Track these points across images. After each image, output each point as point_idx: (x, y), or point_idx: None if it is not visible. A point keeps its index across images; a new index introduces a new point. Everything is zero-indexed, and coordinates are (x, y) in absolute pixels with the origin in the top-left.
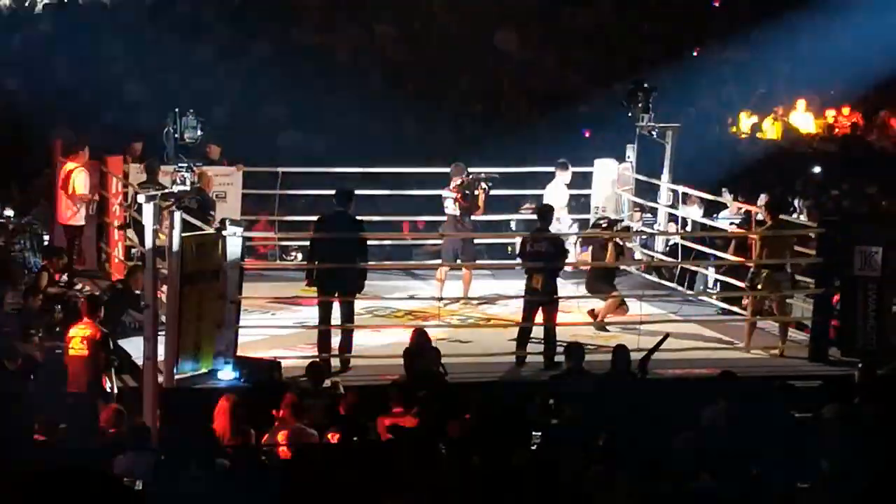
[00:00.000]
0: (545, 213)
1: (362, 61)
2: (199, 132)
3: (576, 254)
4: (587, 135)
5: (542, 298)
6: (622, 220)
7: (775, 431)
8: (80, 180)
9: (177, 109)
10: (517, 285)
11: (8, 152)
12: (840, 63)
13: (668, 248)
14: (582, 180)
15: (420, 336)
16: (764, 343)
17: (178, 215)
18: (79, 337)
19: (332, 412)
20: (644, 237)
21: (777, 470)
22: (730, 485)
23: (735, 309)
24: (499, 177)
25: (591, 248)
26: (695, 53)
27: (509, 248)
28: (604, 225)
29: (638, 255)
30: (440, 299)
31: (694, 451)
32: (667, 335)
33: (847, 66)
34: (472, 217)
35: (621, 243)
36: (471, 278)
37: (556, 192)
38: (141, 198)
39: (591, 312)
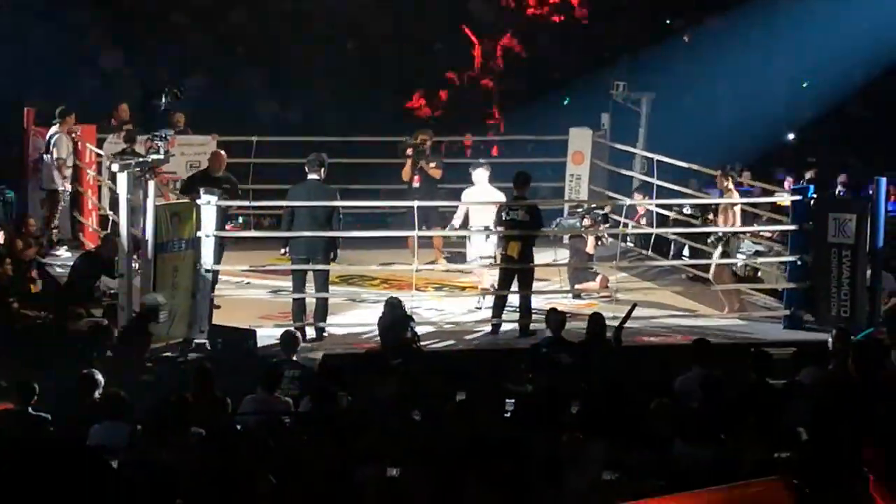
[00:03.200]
0: (522, 180)
1: (338, 29)
2: (166, 99)
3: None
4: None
5: (518, 266)
6: (601, 209)
7: (750, 398)
8: (61, 144)
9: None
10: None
11: None
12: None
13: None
14: (558, 149)
15: (393, 306)
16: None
17: (152, 184)
18: None
19: (305, 381)
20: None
21: (751, 437)
22: (704, 452)
23: (705, 275)
24: (419, 142)
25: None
26: (668, 22)
27: None
28: (580, 212)
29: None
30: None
31: (669, 418)
32: (634, 305)
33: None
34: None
35: (600, 233)
36: (440, 245)
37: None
38: (115, 166)
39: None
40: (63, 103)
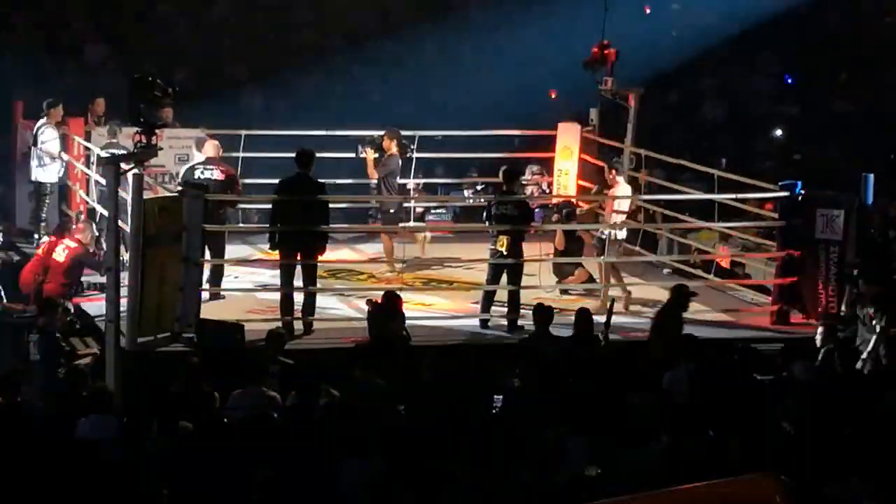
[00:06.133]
0: (511, 176)
1: (323, 21)
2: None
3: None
4: (553, 96)
5: (507, 261)
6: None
7: (737, 394)
8: (47, 135)
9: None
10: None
11: None
12: None
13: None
14: (546, 143)
15: (390, 299)
16: None
17: (139, 177)
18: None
19: (291, 376)
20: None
21: (738, 432)
22: (692, 447)
23: (691, 271)
24: (378, 139)
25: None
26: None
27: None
28: (551, 208)
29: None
30: (403, 261)
31: (655, 413)
32: (613, 300)
33: None
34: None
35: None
36: (390, 245)
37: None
38: (102, 159)
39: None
40: (49, 96)
